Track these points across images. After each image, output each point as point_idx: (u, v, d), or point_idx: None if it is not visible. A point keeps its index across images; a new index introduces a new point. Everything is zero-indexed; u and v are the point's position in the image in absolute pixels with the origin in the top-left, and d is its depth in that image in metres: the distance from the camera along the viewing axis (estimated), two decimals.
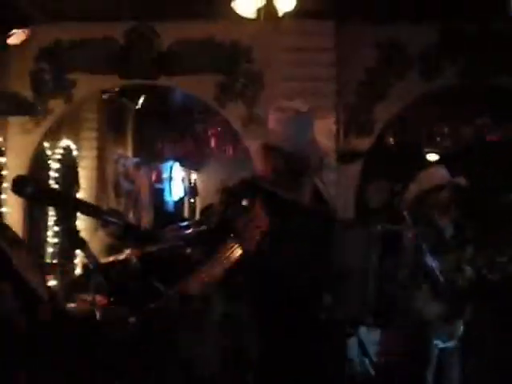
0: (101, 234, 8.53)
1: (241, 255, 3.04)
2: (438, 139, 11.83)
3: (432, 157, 11.97)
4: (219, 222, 3.44)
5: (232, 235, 2.96)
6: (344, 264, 3.33)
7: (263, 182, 3.58)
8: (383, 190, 9.77)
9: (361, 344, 3.43)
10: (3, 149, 7.63)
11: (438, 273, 4.53)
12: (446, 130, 11.70)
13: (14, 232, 2.27)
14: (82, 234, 2.03)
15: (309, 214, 3.51)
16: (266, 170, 3.65)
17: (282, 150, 3.55)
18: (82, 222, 9.70)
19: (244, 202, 3.28)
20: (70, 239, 2.01)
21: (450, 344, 5.21)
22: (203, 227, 7.24)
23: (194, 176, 15.92)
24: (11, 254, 2.04)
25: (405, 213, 3.83)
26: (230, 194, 3.58)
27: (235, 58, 7.91)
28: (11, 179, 1.98)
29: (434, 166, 5.92)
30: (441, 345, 5.14)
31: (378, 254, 3.35)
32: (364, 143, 7.64)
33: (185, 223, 9.11)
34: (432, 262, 4.02)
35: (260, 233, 3.03)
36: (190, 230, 7.92)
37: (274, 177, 3.59)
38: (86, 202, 2.15)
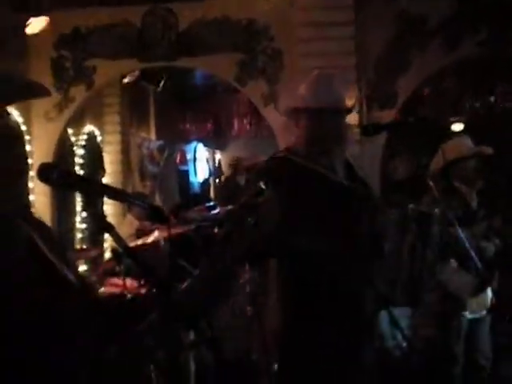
0: (129, 217, 8.59)
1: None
2: (462, 109, 11.74)
3: (457, 127, 11.89)
4: (246, 200, 3.42)
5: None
6: (378, 244, 3.31)
7: (296, 157, 3.53)
8: (408, 162, 9.74)
9: (392, 317, 3.43)
10: (28, 138, 7.68)
11: (466, 244, 4.50)
12: (469, 99, 11.61)
13: (40, 220, 2.29)
14: (111, 219, 2.04)
15: (345, 191, 3.48)
16: (297, 140, 3.62)
17: (313, 109, 3.52)
18: (110, 207, 9.79)
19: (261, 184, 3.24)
20: (98, 224, 2.02)
21: (479, 314, 5.20)
22: (230, 207, 7.27)
23: (218, 156, 15.94)
24: (40, 241, 2.06)
25: (431, 184, 3.80)
26: (259, 173, 3.55)
27: (254, 36, 7.88)
28: (36, 167, 1.99)
29: (458, 137, 5.87)
30: (469, 315, 5.14)
31: (412, 236, 3.34)
32: (387, 116, 7.61)
33: (211, 203, 9.15)
34: (460, 232, 3.99)
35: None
36: (216, 210, 7.95)
37: (307, 148, 3.55)
38: (111, 187, 2.16)
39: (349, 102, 3.65)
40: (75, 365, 1.93)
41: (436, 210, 3.55)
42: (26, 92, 2.11)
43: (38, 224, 2.19)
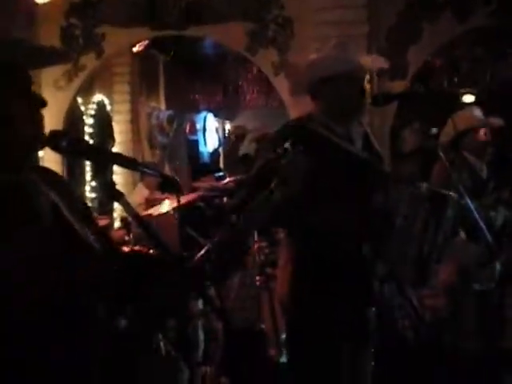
0: (139, 187, 8.61)
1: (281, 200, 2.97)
2: (473, 80, 11.67)
3: (467, 98, 11.83)
4: (259, 169, 3.38)
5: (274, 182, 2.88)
6: (390, 220, 3.28)
7: (313, 124, 3.45)
8: (418, 133, 9.70)
9: (400, 287, 3.43)
10: None
11: (476, 215, 4.48)
12: (479, 70, 11.53)
13: (57, 175, 2.28)
14: (121, 188, 2.04)
15: (360, 163, 3.41)
16: (314, 109, 3.58)
17: (335, 77, 3.44)
18: (120, 177, 9.82)
19: (286, 145, 3.17)
20: (108, 192, 2.02)
21: (488, 287, 5.19)
22: (240, 176, 7.26)
23: (227, 126, 15.91)
24: (58, 199, 2.05)
25: (441, 154, 3.78)
26: (272, 141, 3.49)
27: (264, 5, 7.82)
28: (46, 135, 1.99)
29: (469, 108, 5.83)
30: (478, 287, 5.13)
31: (424, 215, 3.31)
32: (398, 87, 7.57)
33: (220, 173, 9.15)
34: (470, 204, 3.97)
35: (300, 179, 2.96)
36: (226, 180, 7.96)
37: (324, 117, 3.48)
38: (122, 155, 2.15)
39: (381, 64, 3.62)
40: (87, 363, 1.93)
41: (452, 193, 3.51)
42: (37, 58, 2.10)
43: (56, 181, 2.18)
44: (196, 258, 2.42)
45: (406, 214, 3.28)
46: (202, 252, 2.47)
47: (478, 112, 5.46)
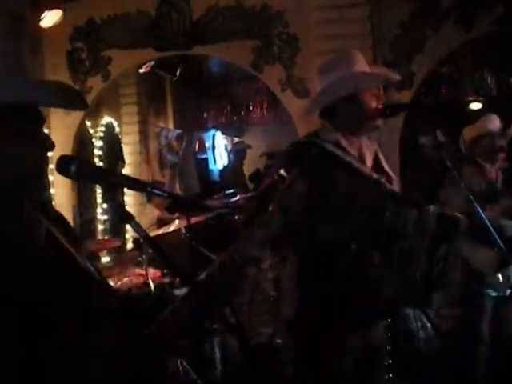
0: (149, 207, 8.63)
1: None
2: (480, 88, 11.63)
3: (475, 106, 11.77)
4: (268, 186, 3.38)
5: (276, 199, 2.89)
6: (397, 241, 3.26)
7: (325, 142, 3.39)
8: (427, 145, 9.68)
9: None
10: (46, 131, 7.69)
11: (486, 221, 4.46)
12: (487, 77, 11.50)
13: (59, 214, 2.29)
14: (131, 209, 2.05)
15: (369, 183, 3.35)
16: (325, 126, 3.52)
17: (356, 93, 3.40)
18: (130, 198, 9.84)
19: (281, 173, 3.20)
20: (119, 214, 2.03)
21: (504, 293, 5.15)
22: (251, 193, 7.27)
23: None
24: (59, 236, 2.07)
25: (448, 163, 3.77)
26: (282, 160, 3.47)
27: (268, 22, 7.86)
28: (56, 160, 2.01)
29: (488, 114, 5.80)
30: (494, 293, 5.10)
31: (430, 238, 3.28)
32: (405, 97, 7.57)
33: (231, 191, 9.16)
34: (480, 210, 3.96)
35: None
36: (237, 198, 7.97)
37: (339, 134, 3.41)
38: (130, 177, 2.16)
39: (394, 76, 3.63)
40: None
41: (461, 216, 3.48)
42: (57, 102, 2.12)
43: (57, 219, 2.19)
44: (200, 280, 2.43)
45: (413, 237, 3.25)
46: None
47: (489, 120, 5.45)
